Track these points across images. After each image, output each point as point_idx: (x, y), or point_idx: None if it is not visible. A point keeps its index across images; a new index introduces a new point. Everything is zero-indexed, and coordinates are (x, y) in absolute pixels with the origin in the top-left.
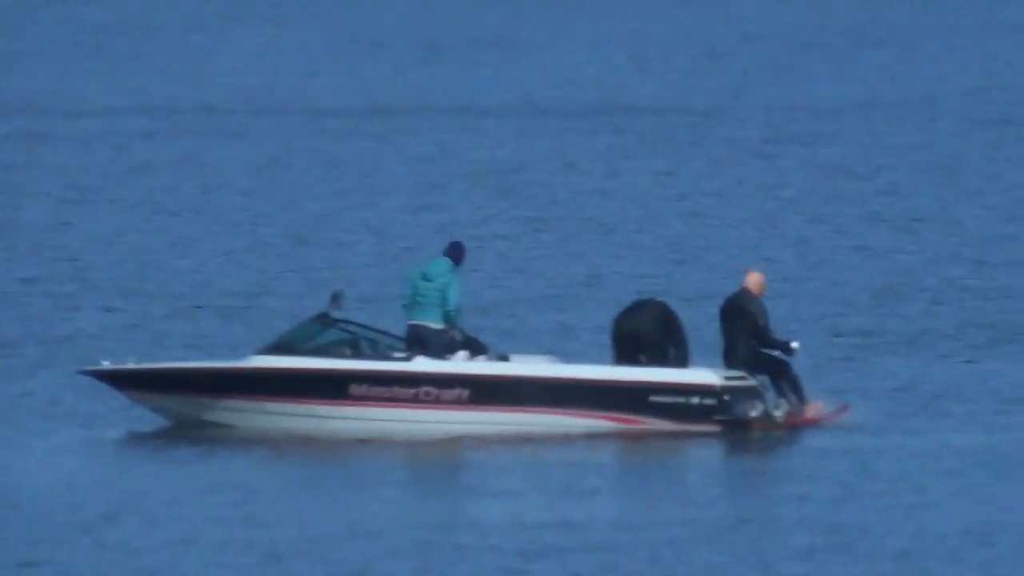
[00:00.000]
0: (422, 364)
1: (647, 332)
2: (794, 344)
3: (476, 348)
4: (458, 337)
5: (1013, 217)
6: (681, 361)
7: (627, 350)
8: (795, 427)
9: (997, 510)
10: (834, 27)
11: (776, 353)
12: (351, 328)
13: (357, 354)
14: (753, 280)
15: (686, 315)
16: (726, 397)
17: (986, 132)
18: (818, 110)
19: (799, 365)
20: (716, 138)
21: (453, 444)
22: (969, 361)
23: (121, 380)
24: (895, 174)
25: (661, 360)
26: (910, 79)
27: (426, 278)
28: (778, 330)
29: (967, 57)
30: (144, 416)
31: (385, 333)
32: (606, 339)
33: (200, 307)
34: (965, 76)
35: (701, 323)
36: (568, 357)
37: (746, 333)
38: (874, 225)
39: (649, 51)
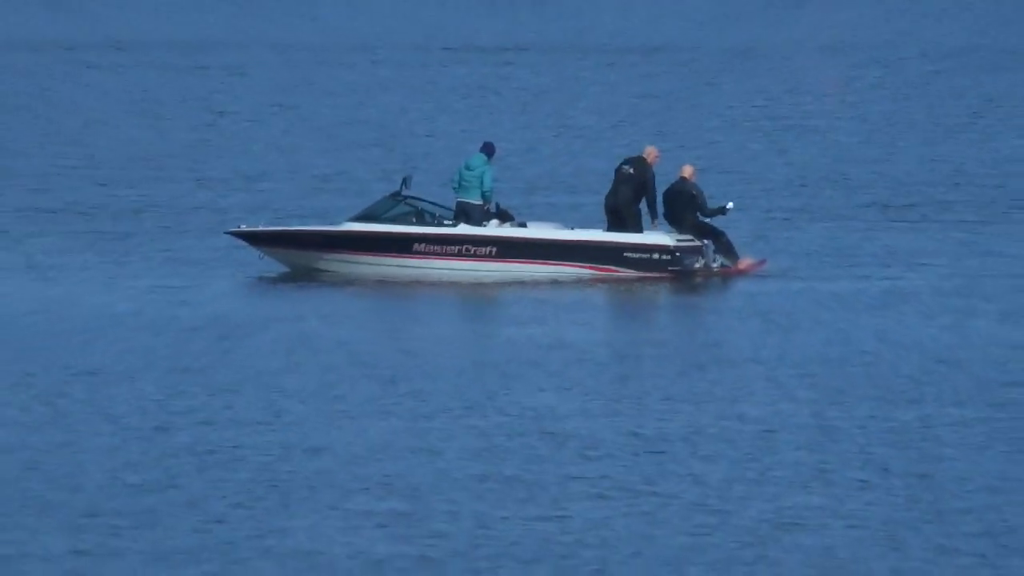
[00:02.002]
0: (464, 229)
1: (625, 205)
2: (729, 205)
3: (505, 216)
4: (493, 210)
5: (908, 99)
6: (652, 208)
7: (613, 222)
8: (728, 276)
9: (885, 338)
10: None
11: (716, 218)
12: (416, 203)
13: (420, 222)
14: (688, 171)
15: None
16: (678, 254)
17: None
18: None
19: (736, 232)
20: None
21: (484, 287)
22: (868, 229)
23: (255, 239)
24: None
25: (637, 226)
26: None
27: (468, 168)
28: (715, 201)
29: None
30: (268, 265)
31: (440, 206)
32: (602, 213)
33: (309, 186)
34: None
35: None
36: (570, 224)
37: (690, 210)
38: (799, 122)
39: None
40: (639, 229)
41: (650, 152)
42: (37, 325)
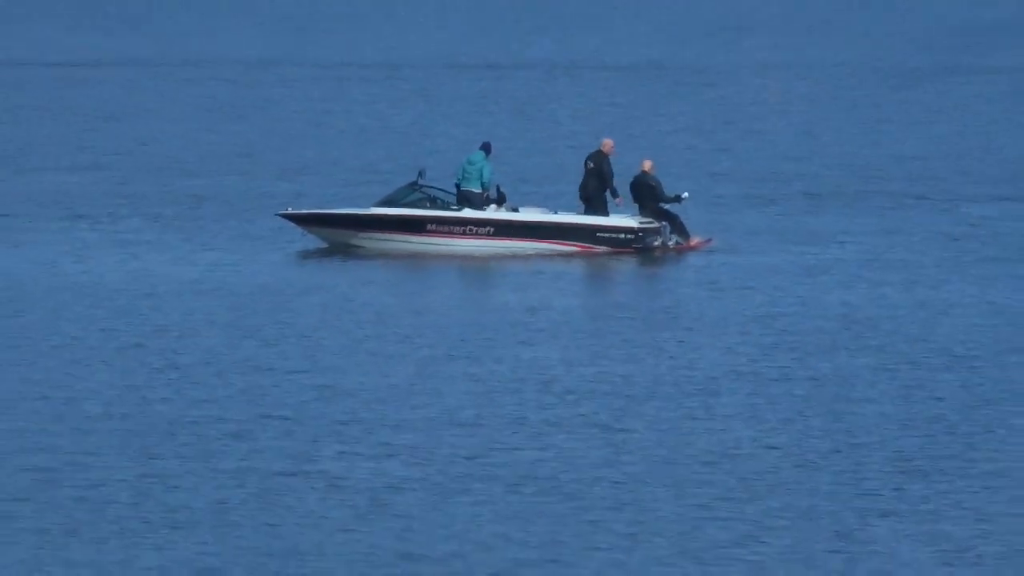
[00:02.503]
0: (467, 213)
1: (593, 195)
2: (684, 195)
3: (502, 199)
4: (494, 194)
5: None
6: (611, 190)
7: (586, 208)
8: (681, 252)
9: (808, 302)
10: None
11: (672, 205)
12: (429, 191)
13: (433, 207)
14: (647, 165)
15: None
16: (640, 233)
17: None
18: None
19: (688, 216)
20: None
21: (484, 260)
22: (796, 214)
23: (300, 219)
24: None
25: (603, 210)
26: None
27: (470, 162)
28: (671, 190)
29: None
30: (309, 241)
31: (448, 193)
32: (578, 200)
33: (342, 177)
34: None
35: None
36: (553, 209)
37: (651, 199)
38: (742, 126)
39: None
40: (605, 212)
41: (606, 143)
42: (122, 290)
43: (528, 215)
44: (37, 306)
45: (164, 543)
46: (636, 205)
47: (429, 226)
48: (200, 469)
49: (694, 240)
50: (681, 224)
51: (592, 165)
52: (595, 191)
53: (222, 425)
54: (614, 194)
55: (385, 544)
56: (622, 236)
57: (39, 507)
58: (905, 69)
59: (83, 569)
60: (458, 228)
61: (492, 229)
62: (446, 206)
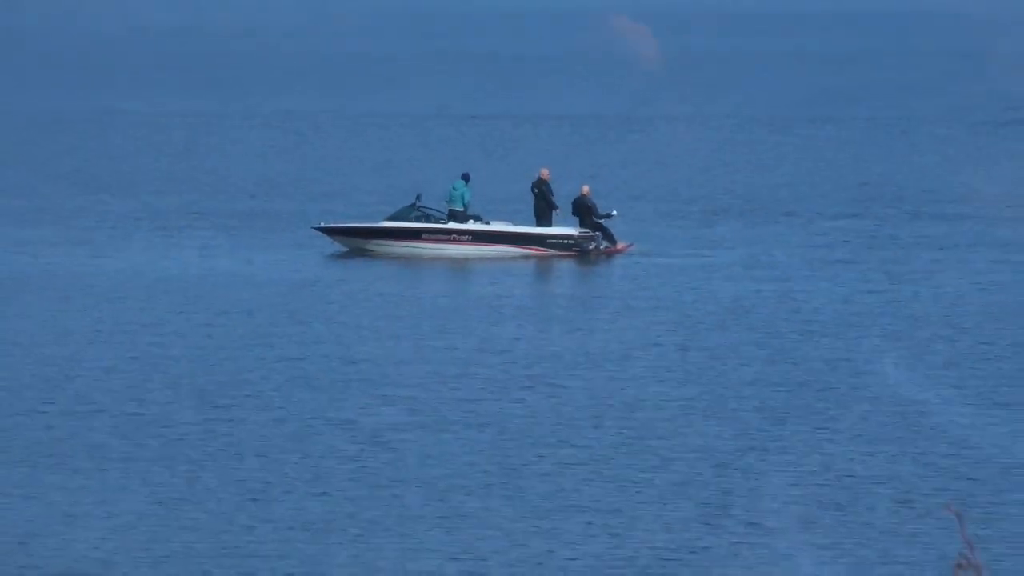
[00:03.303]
0: (453, 225)
1: (541, 212)
2: (613, 212)
3: (477, 217)
4: (470, 214)
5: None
6: (551, 206)
7: (537, 222)
8: (610, 255)
9: (701, 293)
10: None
11: (604, 220)
12: (425, 210)
13: (428, 220)
14: (586, 189)
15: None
16: (579, 240)
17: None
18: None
19: (617, 228)
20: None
21: (464, 261)
22: (694, 226)
23: (329, 231)
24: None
25: (548, 221)
26: None
27: (454, 188)
28: (604, 208)
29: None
30: (335, 247)
31: (439, 211)
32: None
33: (360, 199)
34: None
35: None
36: (515, 222)
37: (588, 215)
38: (656, 161)
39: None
40: (550, 225)
41: (543, 172)
42: (195, 282)
43: (496, 226)
44: (133, 295)
45: (222, 469)
46: (576, 219)
47: (424, 235)
48: (250, 414)
49: (620, 245)
50: (610, 233)
51: (537, 191)
52: (543, 210)
53: (267, 382)
54: (553, 206)
55: (385, 471)
56: (565, 242)
57: (128, 442)
58: (779, 118)
59: (159, 488)
60: (445, 236)
61: (470, 237)
62: (437, 220)
